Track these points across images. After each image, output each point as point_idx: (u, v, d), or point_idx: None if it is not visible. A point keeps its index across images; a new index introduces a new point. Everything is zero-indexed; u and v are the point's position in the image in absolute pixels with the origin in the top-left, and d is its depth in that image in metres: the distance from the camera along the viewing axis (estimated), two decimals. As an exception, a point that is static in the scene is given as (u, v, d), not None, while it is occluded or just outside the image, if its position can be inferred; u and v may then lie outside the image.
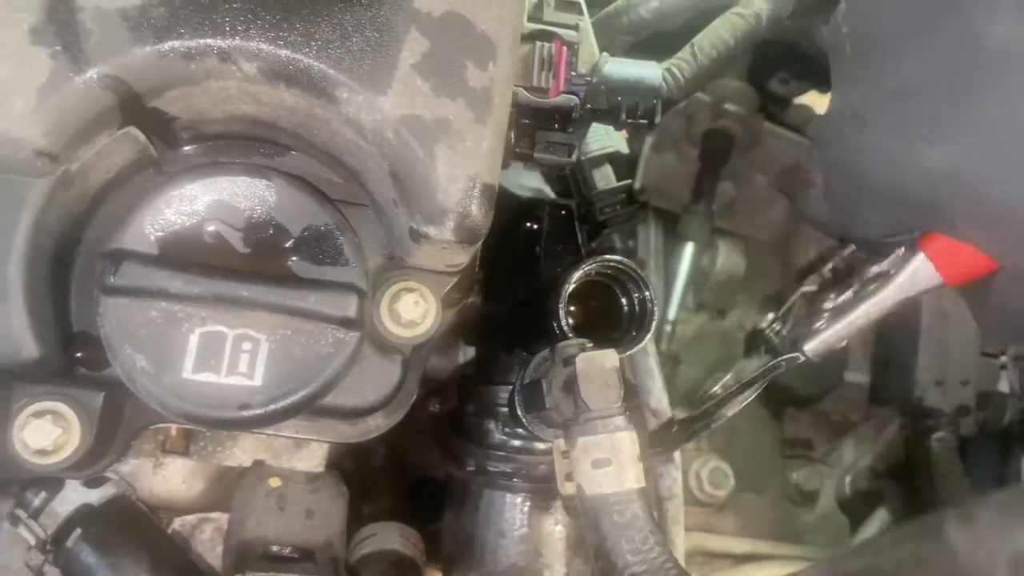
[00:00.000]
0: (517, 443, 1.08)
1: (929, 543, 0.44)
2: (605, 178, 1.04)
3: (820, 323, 0.82)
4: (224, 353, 0.77)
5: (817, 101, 1.69)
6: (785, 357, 0.83)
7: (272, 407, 0.78)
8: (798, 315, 0.95)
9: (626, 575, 0.72)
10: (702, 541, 1.38)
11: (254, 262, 0.78)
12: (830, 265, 0.92)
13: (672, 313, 1.53)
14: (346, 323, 0.77)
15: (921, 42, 0.69)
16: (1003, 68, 0.64)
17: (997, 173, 0.65)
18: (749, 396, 0.87)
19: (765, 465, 1.55)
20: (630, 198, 1.04)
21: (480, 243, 0.77)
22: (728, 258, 1.58)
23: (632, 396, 1.18)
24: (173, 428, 1.03)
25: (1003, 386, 1.49)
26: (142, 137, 0.77)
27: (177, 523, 1.09)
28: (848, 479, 1.61)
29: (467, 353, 1.28)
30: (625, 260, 0.92)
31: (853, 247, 0.89)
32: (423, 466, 1.35)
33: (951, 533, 0.42)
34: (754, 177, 1.65)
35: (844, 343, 0.80)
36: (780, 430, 1.64)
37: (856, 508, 1.58)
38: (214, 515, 1.10)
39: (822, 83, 1.60)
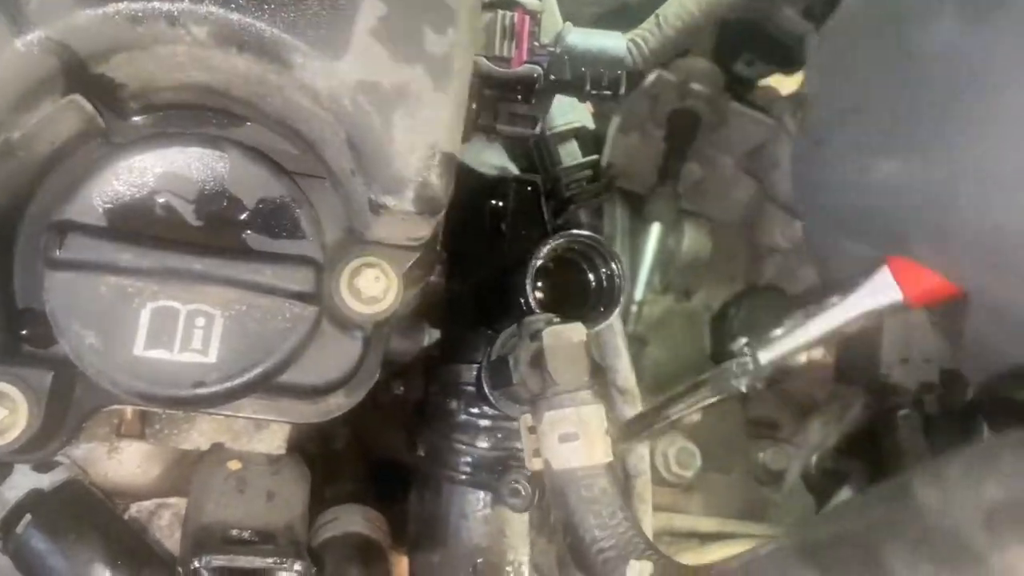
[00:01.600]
0: (480, 427, 1.06)
1: (898, 503, 0.44)
2: (571, 154, 1.02)
3: (778, 332, 0.80)
4: (177, 329, 0.75)
5: (783, 83, 1.69)
6: (735, 360, 0.81)
7: (228, 384, 0.75)
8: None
9: (594, 550, 0.71)
10: (669, 521, 1.37)
11: (207, 235, 0.76)
12: None
13: (639, 294, 1.53)
14: (303, 297, 0.75)
15: (869, 56, 0.68)
16: (947, 73, 0.62)
17: (947, 185, 0.63)
18: (700, 400, 0.84)
19: (731, 445, 1.55)
20: (596, 174, 1.03)
21: (441, 215, 0.76)
22: (694, 239, 1.57)
23: (600, 375, 1.17)
24: (128, 410, 1.00)
25: (966, 364, 1.50)
26: (88, 106, 0.74)
27: (134, 509, 1.06)
28: (814, 458, 1.62)
29: (432, 336, 1.26)
30: (594, 235, 0.91)
31: None
32: (387, 449, 1.33)
33: (920, 492, 0.42)
34: (721, 158, 1.64)
35: (803, 357, 0.77)
36: (745, 411, 1.64)
37: (822, 487, 1.59)
38: (172, 500, 1.07)
39: (787, 64, 1.60)
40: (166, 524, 1.07)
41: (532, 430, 0.78)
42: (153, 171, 0.75)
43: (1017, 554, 0.36)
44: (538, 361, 0.77)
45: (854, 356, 1.53)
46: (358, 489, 1.21)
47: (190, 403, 0.76)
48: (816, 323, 0.71)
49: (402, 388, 1.34)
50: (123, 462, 1.02)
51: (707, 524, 1.41)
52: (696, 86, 1.49)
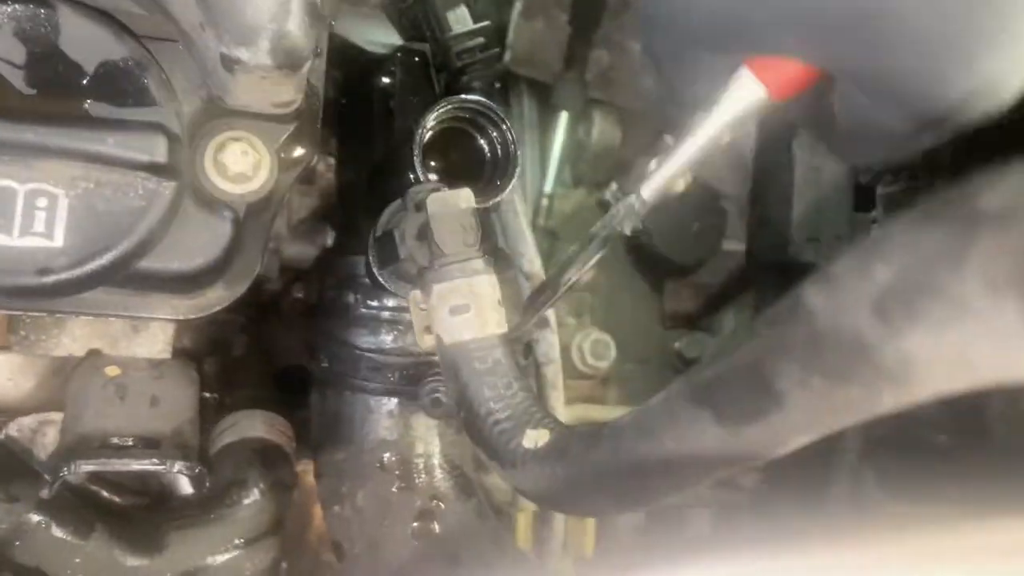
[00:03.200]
0: (381, 320, 1.00)
1: (787, 319, 0.40)
2: (460, 20, 0.95)
3: (652, 164, 0.75)
4: (15, 211, 0.67)
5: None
6: (621, 203, 0.75)
7: (78, 271, 0.68)
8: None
9: (489, 422, 0.67)
10: (586, 412, 1.36)
11: (42, 104, 0.67)
12: None
13: (548, 187, 1.48)
14: (156, 169, 0.68)
15: None
16: None
17: None
18: (593, 253, 0.79)
19: (647, 336, 1.54)
20: (489, 42, 0.96)
21: (305, 70, 0.68)
22: (604, 128, 1.53)
23: (505, 261, 1.12)
24: (-9, 320, 0.92)
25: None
26: None
27: (14, 428, 0.99)
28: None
29: (332, 238, 1.20)
30: (483, 100, 0.85)
31: None
32: (290, 355, 1.27)
33: (808, 299, 0.38)
34: (628, 44, 1.58)
35: (682, 183, 0.72)
36: (661, 303, 1.63)
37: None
38: (55, 416, 0.99)
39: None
40: (50, 441, 1.00)
41: (422, 307, 0.73)
42: (-30, 32, 0.65)
43: (911, 340, 0.32)
44: (424, 232, 0.72)
45: (764, 239, 1.52)
46: (259, 395, 1.15)
47: (36, 292, 0.68)
48: (687, 143, 0.66)
49: (302, 293, 1.29)
50: (-10, 375, 0.95)
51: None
52: (600, -34, 1.43)
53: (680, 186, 0.70)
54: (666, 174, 0.69)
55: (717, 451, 0.49)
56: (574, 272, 0.75)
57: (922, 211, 0.32)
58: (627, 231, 0.71)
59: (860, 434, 1.26)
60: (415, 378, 0.96)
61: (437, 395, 0.93)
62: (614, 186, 0.81)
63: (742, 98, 0.63)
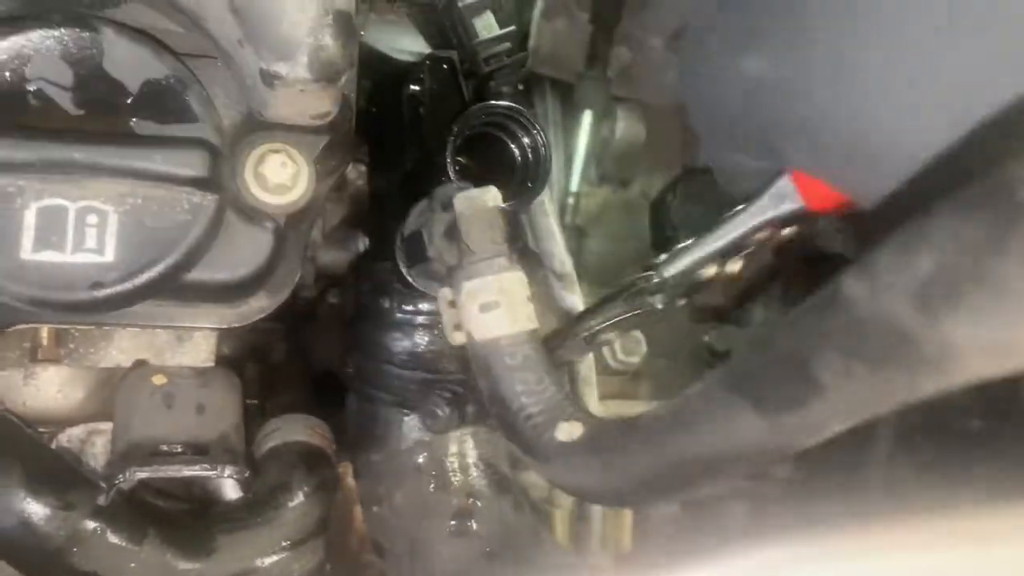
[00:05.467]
0: (416, 324, 1.02)
1: (827, 308, 0.41)
2: (487, 26, 0.96)
3: (682, 246, 0.75)
4: (67, 228, 0.69)
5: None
6: (641, 276, 0.75)
7: (129, 284, 0.71)
8: None
9: (522, 417, 0.68)
10: (619, 408, 1.37)
11: (89, 124, 0.70)
12: None
13: (574, 185, 1.49)
14: (199, 184, 0.70)
15: None
16: None
17: (815, 85, 0.58)
18: (613, 316, 0.79)
19: (676, 330, 1.54)
20: (516, 47, 0.97)
21: (342, 83, 0.70)
22: (627, 125, 1.53)
23: (536, 262, 1.14)
24: (43, 333, 0.95)
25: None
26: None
27: (64, 439, 1.02)
28: (759, 337, 1.62)
29: (366, 244, 1.22)
30: (512, 105, 0.86)
31: None
32: (328, 361, 1.29)
33: (848, 289, 0.39)
34: (649, 40, 1.59)
35: (712, 270, 0.72)
36: (691, 299, 1.63)
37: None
38: (103, 426, 1.02)
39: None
40: (100, 451, 1.02)
41: (452, 304, 0.74)
42: (19, 57, 0.68)
43: (952, 328, 0.33)
44: (453, 231, 0.73)
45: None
46: (299, 400, 1.18)
47: (90, 306, 0.71)
48: (717, 234, 0.67)
49: (338, 299, 1.31)
50: (41, 388, 0.98)
51: (657, 409, 1.41)
52: (617, -36, 1.44)
53: (710, 272, 0.70)
54: (692, 258, 0.69)
55: (756, 440, 0.50)
56: (595, 325, 0.77)
57: (961, 201, 0.33)
58: (658, 305, 0.73)
59: (894, 423, 1.26)
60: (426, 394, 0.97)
61: (435, 408, 0.94)
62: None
63: (779, 203, 0.63)
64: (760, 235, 0.67)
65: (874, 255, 0.37)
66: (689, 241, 0.72)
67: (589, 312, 0.80)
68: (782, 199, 0.63)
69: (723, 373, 0.52)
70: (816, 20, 0.57)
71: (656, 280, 0.73)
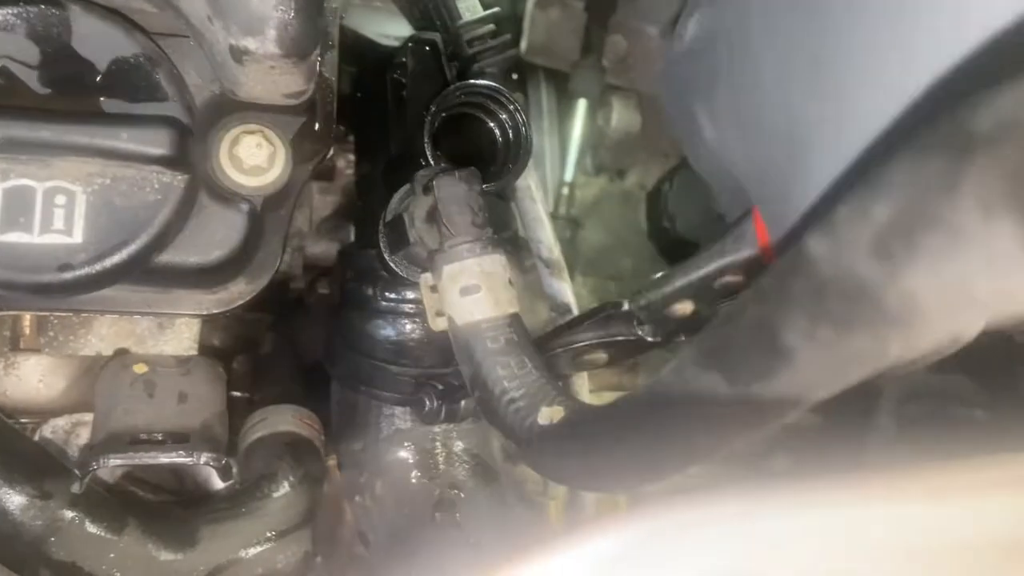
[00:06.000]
0: (401, 312, 1.00)
1: (791, 270, 0.39)
2: (470, 8, 0.94)
3: (652, 280, 0.72)
4: (35, 209, 0.68)
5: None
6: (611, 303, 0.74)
7: (98, 265, 0.69)
8: None
9: (504, 401, 0.67)
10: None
11: (57, 102, 0.69)
12: None
13: (569, 175, 1.48)
14: (168, 162, 0.69)
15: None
16: (768, 41, 0.54)
17: (748, 143, 0.56)
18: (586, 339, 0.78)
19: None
20: (500, 29, 0.95)
21: (312, 58, 0.69)
22: (623, 114, 1.52)
23: (525, 249, 1.12)
24: (25, 322, 0.94)
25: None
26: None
27: (48, 430, 1.01)
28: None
29: (353, 235, 1.20)
30: (491, 83, 0.84)
31: None
32: (317, 351, 1.28)
33: (810, 247, 0.37)
34: (644, 28, 1.57)
35: (684, 308, 0.69)
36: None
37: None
38: (88, 417, 1.01)
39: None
40: (84, 441, 1.01)
41: (433, 289, 0.73)
42: (-17, 35, 0.67)
43: (911, 276, 0.31)
44: (433, 215, 0.72)
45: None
46: (290, 391, 1.16)
47: (59, 289, 0.69)
48: (678, 274, 0.64)
49: (328, 289, 1.30)
50: (22, 377, 0.97)
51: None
52: (613, -49, 1.42)
53: (682, 310, 0.68)
54: (658, 297, 0.68)
55: (730, 414, 0.48)
56: (564, 342, 0.75)
57: (914, 146, 0.31)
58: (648, 337, 0.71)
59: (894, 413, 1.23)
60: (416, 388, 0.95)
61: (422, 395, 0.92)
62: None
63: (740, 244, 0.60)
64: (727, 278, 0.63)
65: (835, 209, 0.35)
66: (660, 274, 0.69)
67: (565, 327, 0.78)
68: (744, 240, 0.60)
69: (695, 347, 0.50)
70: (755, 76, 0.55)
71: (624, 308, 0.71)
